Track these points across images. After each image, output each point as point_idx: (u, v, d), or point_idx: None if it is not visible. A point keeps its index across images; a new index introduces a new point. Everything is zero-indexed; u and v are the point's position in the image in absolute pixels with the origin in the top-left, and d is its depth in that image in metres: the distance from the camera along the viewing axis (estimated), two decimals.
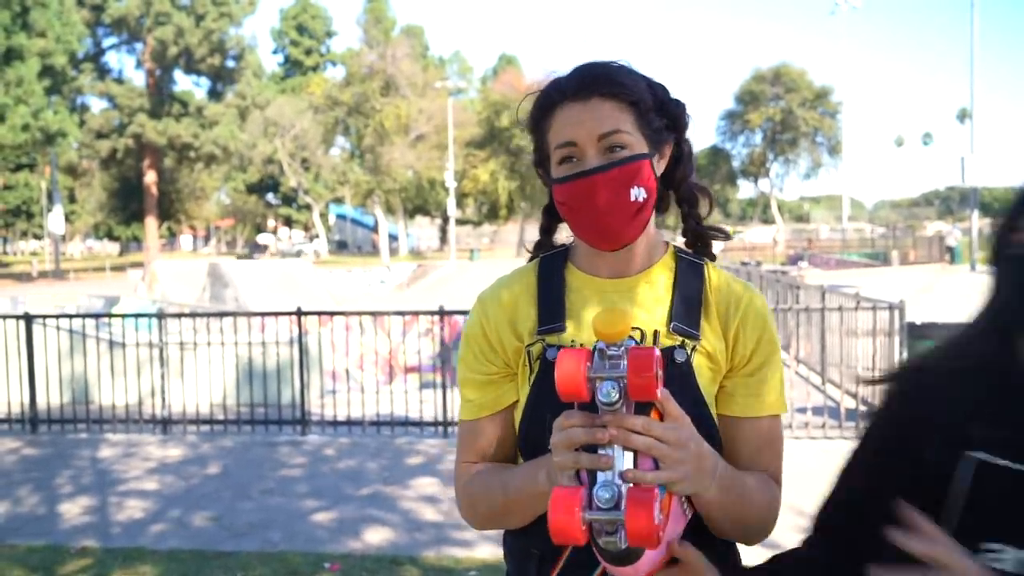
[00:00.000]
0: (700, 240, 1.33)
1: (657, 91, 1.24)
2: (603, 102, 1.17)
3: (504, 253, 48.59)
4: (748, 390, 1.23)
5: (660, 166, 1.24)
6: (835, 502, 1.11)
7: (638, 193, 1.17)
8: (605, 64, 1.22)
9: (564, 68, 1.26)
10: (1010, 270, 1.01)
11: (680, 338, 1.20)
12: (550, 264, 1.29)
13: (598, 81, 1.18)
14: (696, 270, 1.26)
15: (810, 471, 5.51)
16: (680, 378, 1.16)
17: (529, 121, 1.26)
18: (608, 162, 1.16)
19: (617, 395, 0.91)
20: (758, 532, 1.30)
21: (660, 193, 1.26)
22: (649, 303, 1.23)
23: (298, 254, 47.27)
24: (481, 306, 1.29)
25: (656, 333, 1.20)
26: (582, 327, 1.22)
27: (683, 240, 1.34)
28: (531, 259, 1.34)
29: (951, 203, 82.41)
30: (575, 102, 1.18)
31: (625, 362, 0.92)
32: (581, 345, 1.20)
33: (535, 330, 1.24)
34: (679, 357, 1.18)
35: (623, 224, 1.18)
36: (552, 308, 1.24)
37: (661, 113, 1.23)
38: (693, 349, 1.20)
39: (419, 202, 51.48)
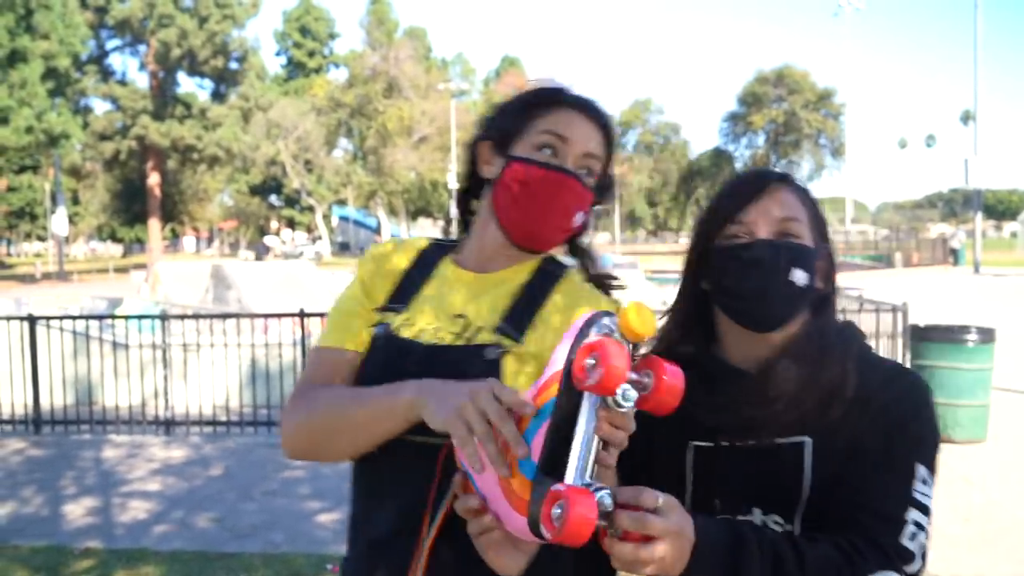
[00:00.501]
0: (578, 253, 1.36)
1: (610, 150, 1.30)
2: (594, 127, 1.25)
3: None
4: None
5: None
6: None
7: (580, 218, 1.25)
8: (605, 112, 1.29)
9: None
10: (714, 262, 1.14)
11: (500, 337, 1.21)
12: (435, 250, 1.35)
13: (598, 109, 1.26)
14: (550, 279, 1.28)
15: None
16: (484, 374, 1.13)
17: (525, 97, 1.29)
18: (579, 174, 1.22)
19: (632, 402, 0.87)
20: None
21: None
22: (491, 299, 1.25)
23: (299, 256, 47.31)
24: (373, 258, 1.35)
25: (479, 329, 1.22)
26: (418, 314, 1.26)
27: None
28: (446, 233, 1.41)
29: (954, 205, 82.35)
30: (581, 113, 1.24)
31: (651, 379, 0.88)
32: (402, 329, 1.24)
33: (383, 301, 1.29)
34: (489, 355, 1.20)
35: (552, 232, 1.24)
36: (406, 290, 1.29)
37: (604, 172, 1.29)
38: (506, 352, 1.20)
39: (422, 204, 51.55)
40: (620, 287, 1.35)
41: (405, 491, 1.17)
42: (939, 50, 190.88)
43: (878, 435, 1.09)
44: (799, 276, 1.10)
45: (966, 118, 58.64)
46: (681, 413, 0.90)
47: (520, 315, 1.23)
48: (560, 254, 1.35)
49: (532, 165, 1.22)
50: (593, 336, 0.89)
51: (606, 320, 0.91)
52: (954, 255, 30.80)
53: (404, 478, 1.18)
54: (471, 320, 1.24)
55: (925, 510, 1.06)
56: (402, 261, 1.34)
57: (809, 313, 1.16)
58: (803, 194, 1.17)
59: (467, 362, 1.19)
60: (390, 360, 1.23)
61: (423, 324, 1.25)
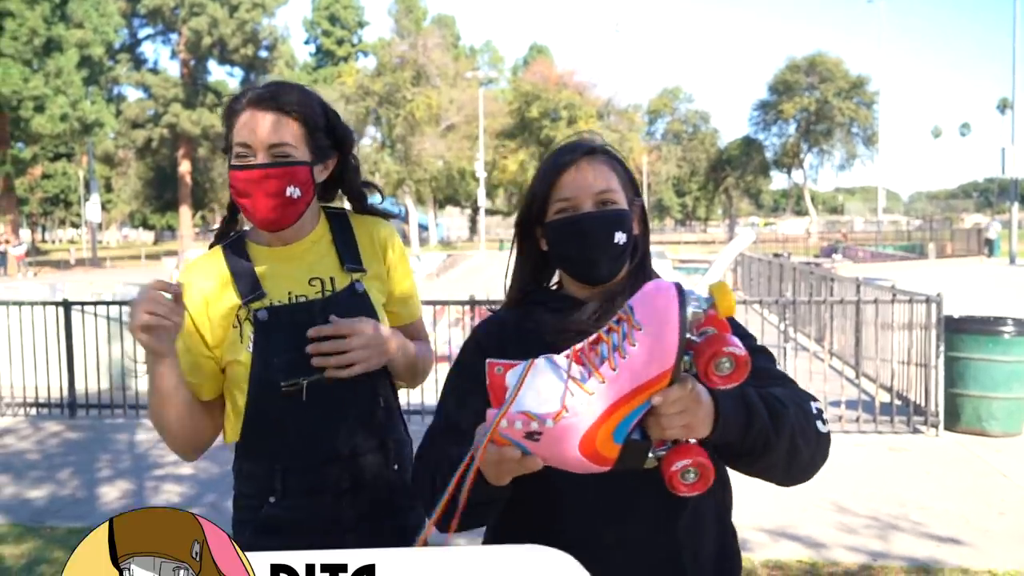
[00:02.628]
0: (354, 198, 1.69)
1: (329, 116, 1.56)
2: (275, 115, 1.47)
3: None
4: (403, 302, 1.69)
5: (322, 174, 1.56)
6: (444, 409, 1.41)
7: (293, 191, 1.47)
8: (288, 83, 1.54)
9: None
10: (550, 236, 1.35)
11: (354, 274, 1.57)
12: (234, 248, 1.58)
13: (277, 95, 1.48)
14: (342, 220, 1.62)
15: (845, 465, 5.48)
16: (362, 305, 1.56)
17: (224, 113, 1.53)
18: (273, 162, 1.46)
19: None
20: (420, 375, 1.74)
21: (328, 193, 1.64)
22: (318, 258, 1.57)
23: None
24: (191, 299, 1.54)
25: (332, 279, 1.56)
26: (275, 290, 1.53)
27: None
28: (211, 245, 1.62)
29: (990, 195, 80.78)
30: (257, 109, 1.47)
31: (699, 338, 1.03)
32: (279, 303, 1.53)
33: (239, 302, 1.52)
34: (359, 288, 1.57)
35: (279, 212, 1.48)
36: (247, 281, 1.53)
37: (329, 133, 1.55)
38: (361, 281, 1.57)
39: (449, 192, 51.61)
40: (389, 215, 1.70)
41: None
42: (976, 36, 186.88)
43: None
44: (619, 237, 1.32)
45: (1003, 106, 57.50)
46: (535, 339, 1.16)
47: (351, 253, 1.59)
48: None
49: (237, 171, 1.48)
50: (691, 315, 1.01)
51: (693, 303, 1.01)
52: (989, 246, 30.24)
53: None
54: (323, 277, 1.56)
55: (764, 349, 1.36)
56: (213, 268, 1.57)
57: (631, 257, 1.38)
58: (612, 160, 1.38)
59: (350, 302, 1.54)
60: (292, 323, 1.50)
61: (282, 295, 1.53)
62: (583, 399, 1.02)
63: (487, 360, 1.10)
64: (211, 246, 1.63)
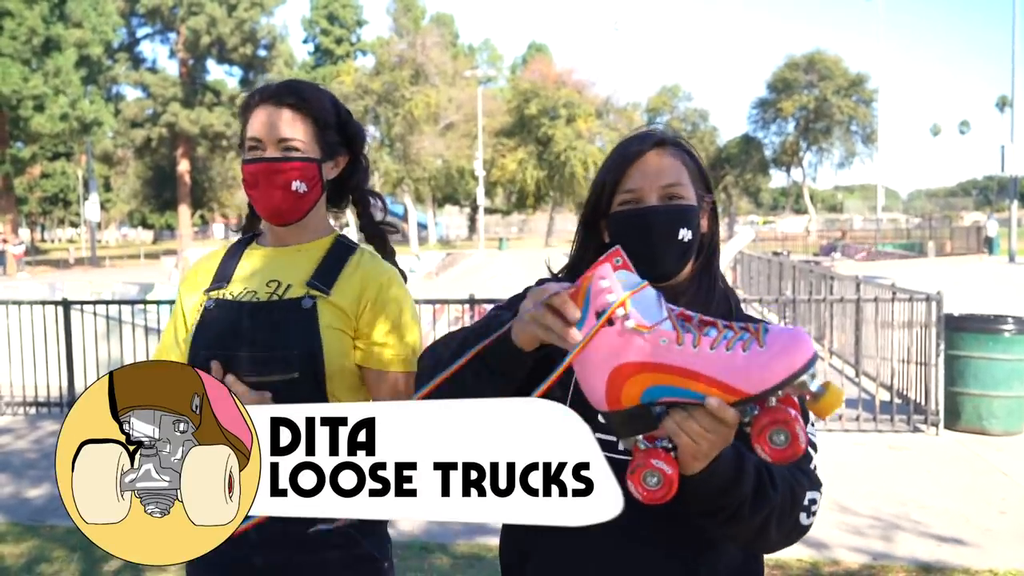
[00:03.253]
0: (375, 236, 1.67)
1: (341, 114, 1.58)
2: (286, 111, 1.50)
3: (533, 242, 48.55)
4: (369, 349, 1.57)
5: (332, 171, 1.58)
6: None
7: (299, 186, 1.50)
8: (301, 82, 1.56)
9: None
10: (612, 228, 1.31)
11: (311, 291, 1.52)
12: (237, 245, 1.65)
13: (290, 93, 1.51)
14: (345, 251, 1.59)
15: (844, 464, 5.47)
16: (303, 320, 1.50)
17: (239, 110, 1.57)
18: (280, 156, 1.50)
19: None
20: None
21: (331, 194, 1.63)
22: (295, 266, 1.56)
23: None
24: (183, 280, 1.66)
25: (289, 286, 1.53)
26: (233, 286, 1.56)
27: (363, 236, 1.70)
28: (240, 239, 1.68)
29: (989, 193, 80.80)
30: (269, 105, 1.51)
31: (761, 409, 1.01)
32: (229, 296, 1.55)
33: (206, 289, 1.58)
34: (306, 304, 1.51)
35: (286, 205, 1.51)
36: (223, 274, 1.59)
37: (340, 131, 1.57)
38: (317, 301, 1.52)
39: (448, 191, 51.58)
40: (395, 230, 1.71)
41: None
42: (975, 34, 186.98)
43: None
44: (684, 233, 1.27)
45: (1002, 104, 57.53)
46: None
47: (326, 274, 1.54)
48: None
49: (248, 164, 1.52)
50: (797, 388, 0.98)
51: (809, 378, 0.98)
52: (989, 244, 30.25)
53: None
54: (282, 281, 1.54)
55: (814, 445, 1.26)
56: (213, 260, 1.64)
57: (696, 255, 1.33)
58: (683, 153, 1.32)
59: (287, 312, 1.50)
60: (223, 320, 1.51)
61: (236, 290, 1.55)
62: (670, 337, 0.99)
63: (616, 246, 1.06)
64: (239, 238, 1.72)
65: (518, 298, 1.31)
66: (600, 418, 1.05)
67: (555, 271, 1.43)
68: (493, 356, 1.14)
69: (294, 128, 1.51)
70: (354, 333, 1.54)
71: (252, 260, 1.60)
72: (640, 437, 1.04)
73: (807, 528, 1.21)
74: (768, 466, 1.15)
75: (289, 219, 1.54)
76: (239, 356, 1.48)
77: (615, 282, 1.00)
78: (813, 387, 0.97)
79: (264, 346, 1.48)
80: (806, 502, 1.20)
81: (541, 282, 1.34)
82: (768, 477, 1.15)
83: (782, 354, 0.96)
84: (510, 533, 1.36)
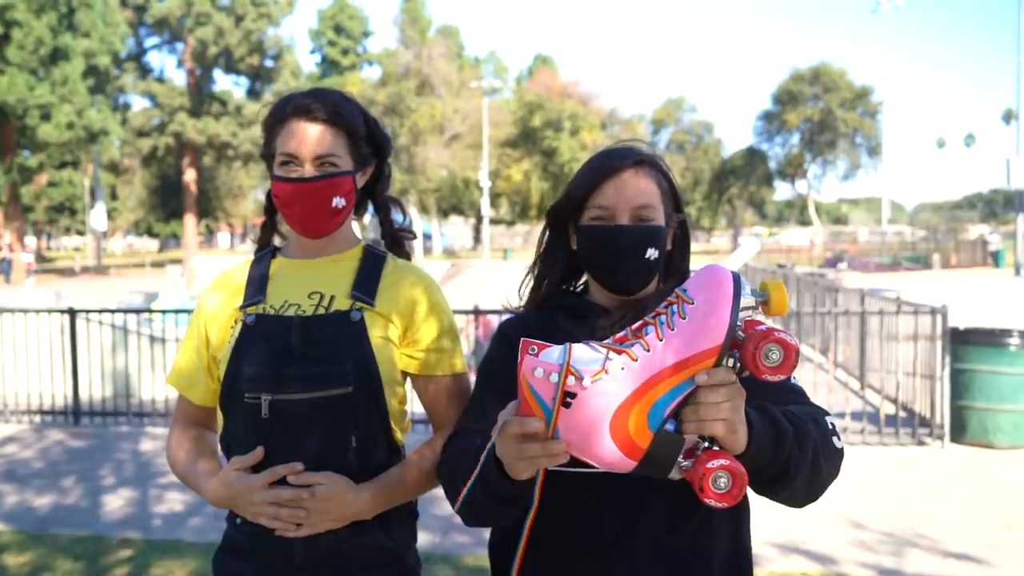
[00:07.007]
0: (394, 241, 1.66)
1: (369, 123, 1.56)
2: (321, 126, 1.47)
3: None
4: (423, 353, 1.56)
5: (361, 180, 1.57)
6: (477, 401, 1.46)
7: (339, 201, 1.49)
8: (329, 91, 1.53)
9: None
10: (582, 239, 1.36)
11: (356, 303, 1.49)
12: (260, 259, 1.61)
13: (322, 106, 1.47)
14: (378, 260, 1.58)
15: (850, 477, 5.44)
16: (354, 333, 1.47)
17: (267, 120, 1.53)
18: (321, 174, 1.46)
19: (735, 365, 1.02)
20: None
21: (359, 200, 1.60)
22: (333, 278, 1.54)
23: None
24: (205, 295, 1.62)
25: (333, 297, 1.50)
26: (273, 298, 1.52)
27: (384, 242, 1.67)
28: (257, 251, 1.65)
29: (995, 206, 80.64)
30: (302, 119, 1.47)
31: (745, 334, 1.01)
32: (271, 309, 1.51)
33: (240, 304, 1.54)
34: (355, 317, 1.48)
35: (324, 221, 1.50)
36: (256, 287, 1.54)
37: (370, 140, 1.56)
38: (363, 311, 1.49)
39: (453, 201, 51.63)
40: (413, 236, 1.70)
41: None
42: (980, 47, 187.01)
43: None
44: (651, 252, 1.32)
45: (1008, 117, 57.46)
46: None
47: (367, 285, 1.52)
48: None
49: (283, 183, 1.49)
50: (745, 309, 1.00)
51: (747, 291, 1.01)
52: (994, 257, 30.17)
53: None
54: (325, 293, 1.51)
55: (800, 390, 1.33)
56: (239, 274, 1.60)
57: (661, 271, 1.39)
58: (658, 173, 1.37)
59: (338, 326, 1.47)
60: (270, 336, 1.47)
61: (277, 304, 1.51)
62: (624, 363, 0.98)
63: (522, 339, 1.03)
64: (257, 250, 1.68)
65: (498, 349, 1.43)
66: (636, 474, 1.04)
67: (515, 305, 1.49)
68: (502, 495, 1.16)
69: (330, 144, 1.47)
70: (399, 342, 1.53)
71: (286, 272, 1.56)
72: (680, 459, 1.02)
73: (842, 452, 1.25)
74: (788, 410, 1.19)
75: (326, 233, 1.53)
76: (290, 372, 1.44)
77: (546, 364, 1.00)
78: (757, 297, 1.01)
79: (317, 361, 1.45)
80: (829, 426, 1.24)
81: (503, 327, 1.45)
82: (796, 418, 1.18)
83: (711, 295, 1.00)
84: (500, 545, 1.40)
